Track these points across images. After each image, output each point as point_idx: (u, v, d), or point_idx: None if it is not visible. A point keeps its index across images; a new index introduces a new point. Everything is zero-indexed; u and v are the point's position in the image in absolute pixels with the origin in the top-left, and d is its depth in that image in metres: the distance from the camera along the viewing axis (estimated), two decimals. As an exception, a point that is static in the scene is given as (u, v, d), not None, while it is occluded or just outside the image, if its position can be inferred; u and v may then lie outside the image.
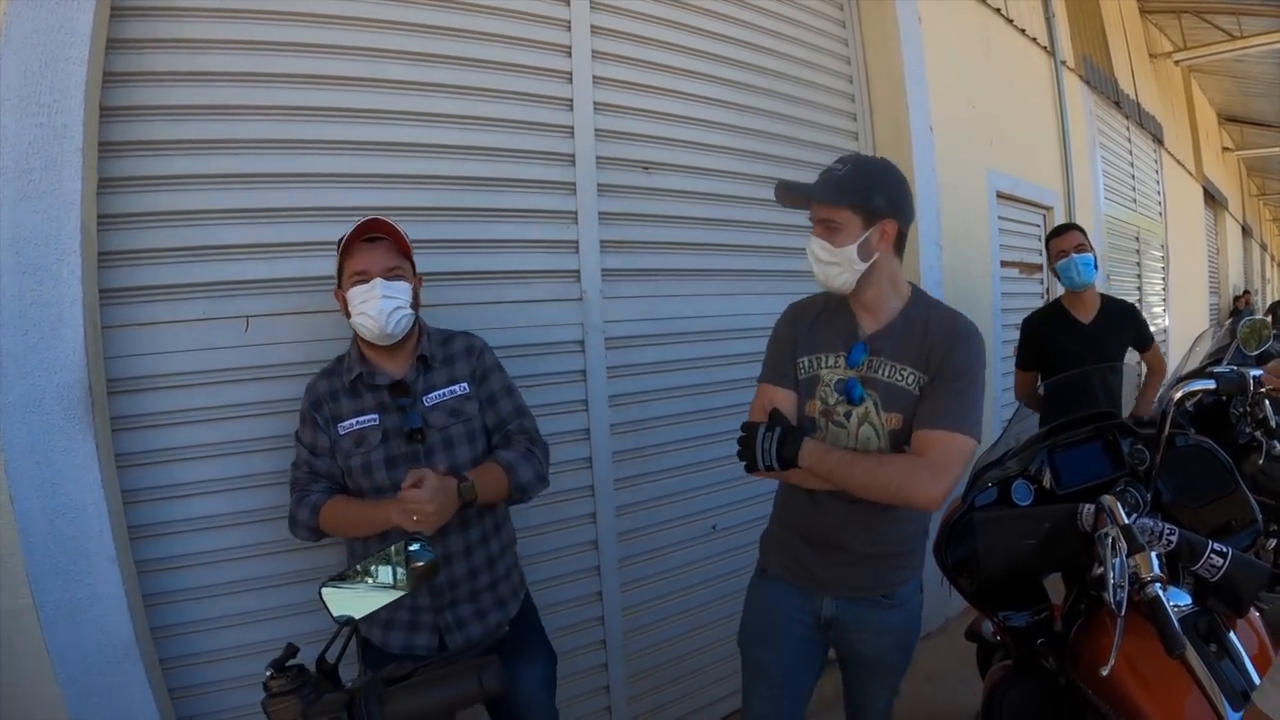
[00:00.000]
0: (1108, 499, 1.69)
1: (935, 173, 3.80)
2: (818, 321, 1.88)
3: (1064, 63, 5.55)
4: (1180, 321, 8.23)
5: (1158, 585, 1.51)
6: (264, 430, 2.13)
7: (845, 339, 1.82)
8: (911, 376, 1.75)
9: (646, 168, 2.90)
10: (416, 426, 1.85)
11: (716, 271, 2.97)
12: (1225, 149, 14.45)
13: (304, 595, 2.08)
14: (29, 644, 1.80)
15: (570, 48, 2.69)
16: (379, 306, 1.78)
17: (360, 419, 1.86)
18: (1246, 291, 15.64)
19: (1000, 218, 4.52)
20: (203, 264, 2.07)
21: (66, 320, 1.78)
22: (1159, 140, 8.43)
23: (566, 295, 2.69)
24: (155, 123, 2.02)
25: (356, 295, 1.80)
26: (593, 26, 2.74)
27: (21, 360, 1.74)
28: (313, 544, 2.00)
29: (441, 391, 1.92)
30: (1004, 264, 4.56)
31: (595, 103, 2.74)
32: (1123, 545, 1.56)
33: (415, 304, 1.89)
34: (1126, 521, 1.61)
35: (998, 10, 4.72)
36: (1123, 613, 1.52)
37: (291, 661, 0.92)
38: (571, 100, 2.69)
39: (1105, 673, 1.52)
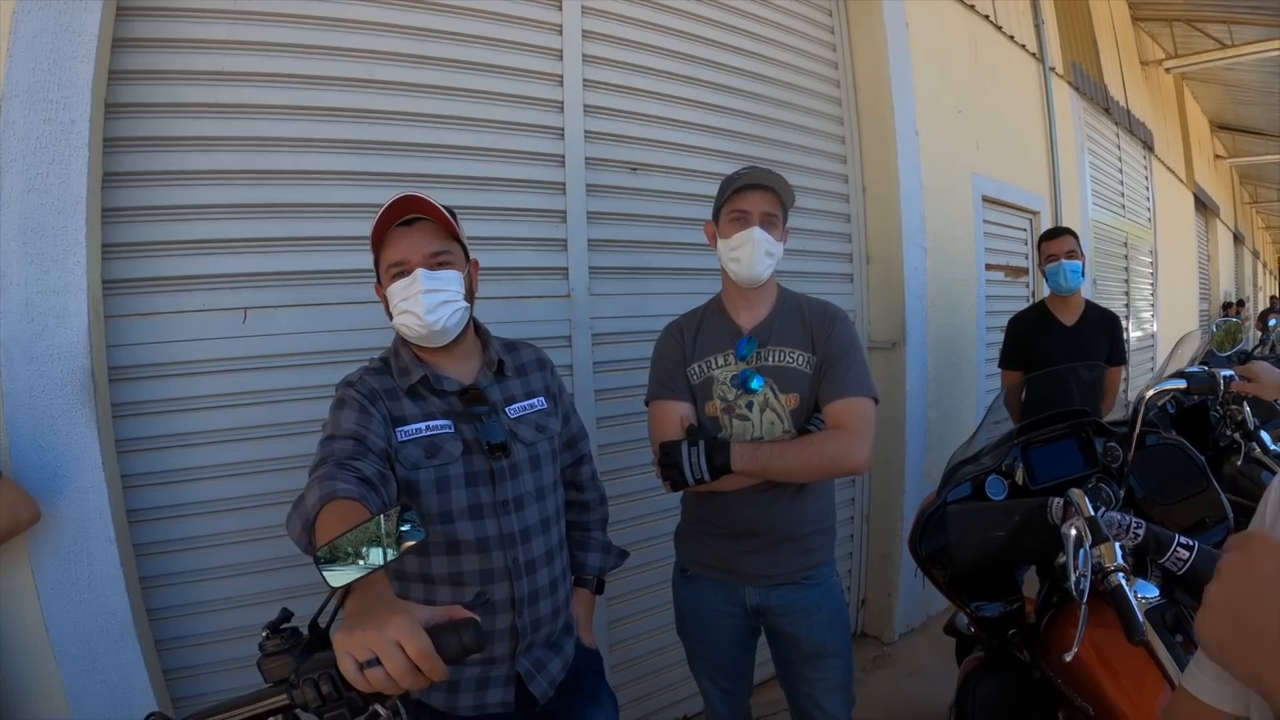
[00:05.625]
0: (1075, 492, 1.74)
1: (920, 176, 3.86)
2: (699, 331, 2.00)
3: (1053, 69, 5.60)
4: (1169, 327, 8.28)
5: (1120, 574, 1.57)
6: (260, 419, 2.18)
7: (729, 338, 1.95)
8: (801, 358, 1.89)
9: (634, 169, 2.96)
10: (500, 440, 1.55)
11: (701, 271, 3.02)
12: (1217, 156, 14.45)
13: (297, 579, 2.12)
14: (29, 623, 1.84)
15: (561, 51, 2.75)
16: (422, 302, 1.49)
17: (431, 424, 1.53)
18: (1241, 302, 15.61)
19: (986, 221, 4.57)
20: (203, 257, 2.12)
21: (71, 309, 1.82)
22: (1149, 147, 8.49)
23: (555, 292, 2.75)
24: (158, 120, 2.07)
25: (396, 292, 1.51)
26: (584, 31, 2.79)
27: (27, 347, 1.78)
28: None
29: (524, 404, 1.66)
30: (989, 267, 4.61)
31: (585, 105, 2.80)
32: (1088, 536, 1.62)
33: (470, 295, 1.60)
34: (1091, 513, 1.67)
35: (986, 17, 4.78)
36: (1084, 600, 1.57)
37: (286, 625, 0.98)
38: (562, 103, 2.75)
39: (1068, 658, 1.57)
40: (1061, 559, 1.69)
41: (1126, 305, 7.38)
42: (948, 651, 2.71)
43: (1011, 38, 5.13)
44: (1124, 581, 1.55)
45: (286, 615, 0.98)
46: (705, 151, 3.17)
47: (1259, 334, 9.27)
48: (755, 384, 1.88)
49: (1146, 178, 8.49)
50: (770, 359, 1.90)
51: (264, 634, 0.95)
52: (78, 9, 1.83)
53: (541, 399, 1.71)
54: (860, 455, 1.80)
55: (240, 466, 2.16)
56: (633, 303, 2.93)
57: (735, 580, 1.98)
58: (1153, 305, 8.37)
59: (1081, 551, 1.60)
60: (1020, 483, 2.15)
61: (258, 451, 2.17)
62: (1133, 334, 7.50)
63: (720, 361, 1.94)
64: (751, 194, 1.89)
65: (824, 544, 2.03)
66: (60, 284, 1.81)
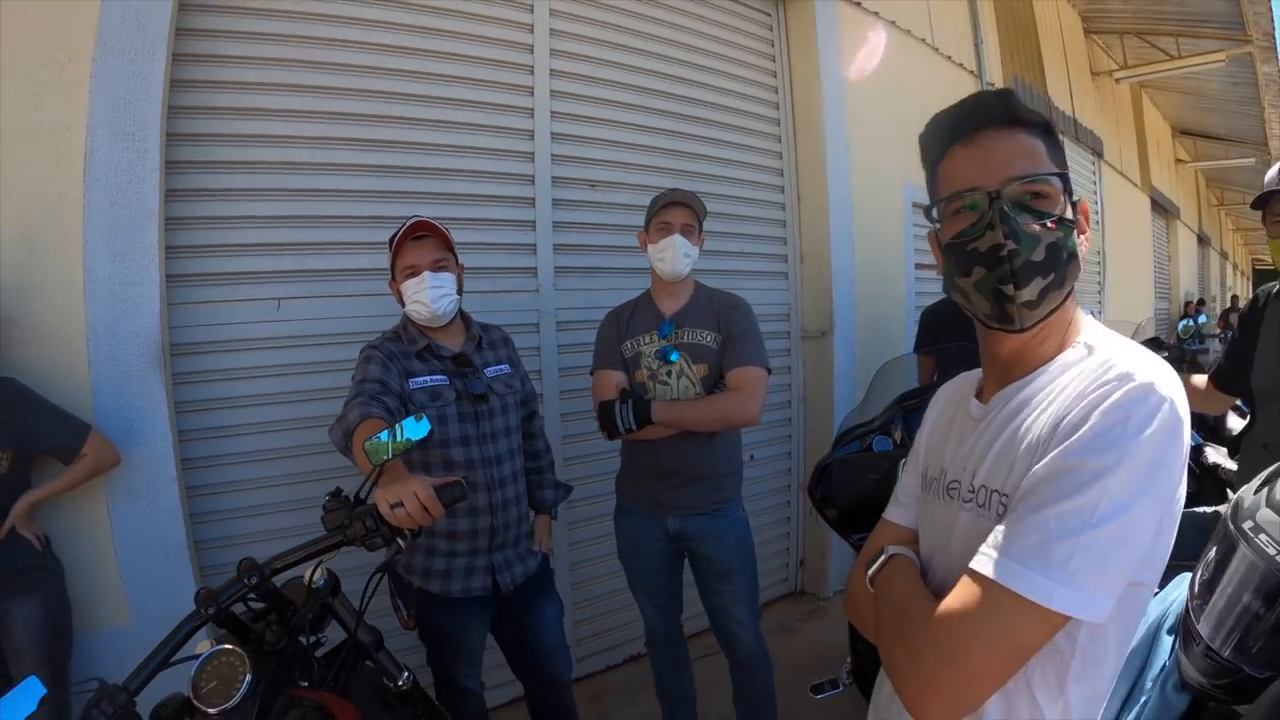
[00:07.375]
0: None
1: (849, 186, 4.29)
2: (632, 316, 2.49)
3: (990, 83, 5.95)
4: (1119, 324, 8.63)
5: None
6: (290, 386, 2.66)
7: (655, 321, 2.44)
8: (710, 336, 2.38)
9: (593, 185, 3.43)
10: (481, 392, 2.15)
11: (647, 270, 3.32)
12: (1180, 160, 14.80)
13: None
14: (101, 547, 2.29)
15: (533, 88, 3.23)
16: (429, 295, 2.07)
17: (434, 378, 2.11)
18: (1201, 300, 16.11)
19: (916, 225, 4.96)
20: (245, 258, 2.60)
21: (146, 298, 2.30)
22: (1098, 153, 8.94)
23: (525, 287, 3.23)
24: (209, 147, 2.53)
25: (409, 288, 2.09)
26: (551, 70, 3.28)
27: (111, 326, 2.26)
28: (331, 467, 2.41)
29: (495, 368, 2.25)
30: (919, 266, 5.01)
31: (552, 132, 3.28)
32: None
33: (459, 288, 2.18)
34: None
35: (923, 40, 5.21)
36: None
37: (340, 494, 1.50)
38: (533, 131, 3.23)
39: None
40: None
41: (1068, 301, 7.78)
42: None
43: (949, 58, 5.53)
44: None
45: (338, 490, 1.50)
46: (655, 169, 3.62)
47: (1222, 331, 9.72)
48: (673, 357, 2.38)
49: (1094, 183, 8.93)
50: (685, 338, 2.40)
51: (326, 498, 1.47)
52: (146, 58, 2.30)
53: (507, 365, 2.30)
54: (751, 409, 2.30)
55: (274, 424, 2.64)
56: (591, 296, 3.37)
57: (661, 511, 2.46)
58: (1099, 302, 8.81)
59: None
60: (899, 441, 2.66)
61: (288, 412, 2.65)
62: (1075, 329, 7.91)
63: (647, 340, 2.43)
64: (673, 209, 2.40)
65: (731, 484, 2.51)
66: (138, 277, 2.29)
